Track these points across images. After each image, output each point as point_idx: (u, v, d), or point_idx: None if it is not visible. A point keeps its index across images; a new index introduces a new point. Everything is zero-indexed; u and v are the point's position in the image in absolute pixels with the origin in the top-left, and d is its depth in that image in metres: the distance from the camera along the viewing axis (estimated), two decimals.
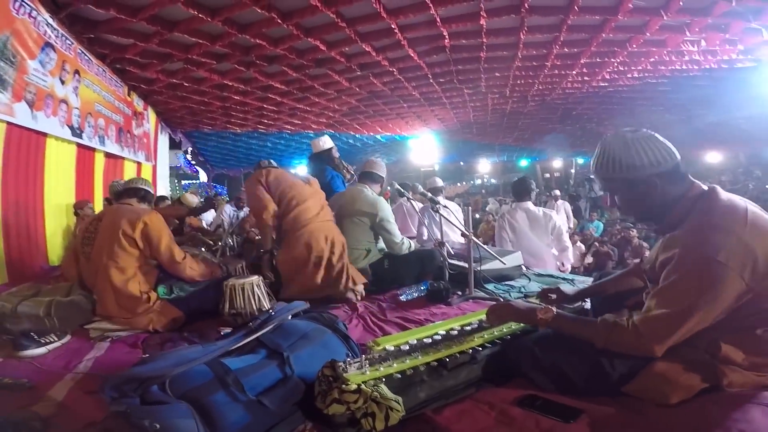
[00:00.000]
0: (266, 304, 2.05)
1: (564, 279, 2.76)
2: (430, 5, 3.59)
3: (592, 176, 14.30)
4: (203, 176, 16.51)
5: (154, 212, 2.23)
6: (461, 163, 25.43)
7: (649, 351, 1.10)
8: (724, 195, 1.16)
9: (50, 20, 3.23)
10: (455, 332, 1.47)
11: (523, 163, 22.04)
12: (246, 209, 6.26)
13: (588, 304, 1.73)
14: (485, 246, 2.58)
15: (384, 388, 1.14)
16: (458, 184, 33.32)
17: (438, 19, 3.89)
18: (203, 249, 3.13)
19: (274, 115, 7.54)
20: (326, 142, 3.78)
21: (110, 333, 2.01)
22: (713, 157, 18.71)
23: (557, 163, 23.32)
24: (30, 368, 1.70)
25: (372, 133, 10.94)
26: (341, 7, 3.62)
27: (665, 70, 5.51)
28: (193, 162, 14.14)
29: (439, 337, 1.42)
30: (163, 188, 8.22)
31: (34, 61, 3.01)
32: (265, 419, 1.15)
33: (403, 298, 2.45)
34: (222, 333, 1.72)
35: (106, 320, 2.05)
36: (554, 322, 1.29)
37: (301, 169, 15.38)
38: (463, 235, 2.41)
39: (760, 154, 20.40)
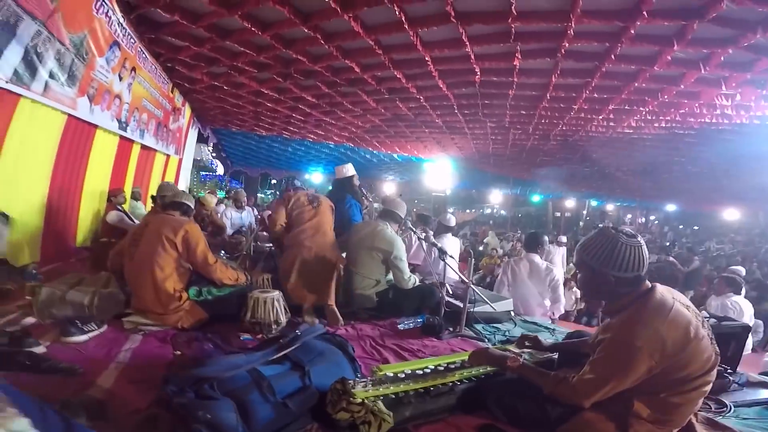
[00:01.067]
0: (282, 318, 2.37)
1: (546, 328, 3.09)
2: (467, 42, 3.77)
3: (600, 225, 14.41)
4: (220, 169, 16.92)
5: (194, 223, 2.61)
6: (473, 191, 25.54)
7: (580, 403, 1.46)
8: (659, 295, 1.47)
9: (121, 19, 3.50)
10: (441, 368, 1.85)
11: (536, 198, 22.09)
12: (248, 212, 6.46)
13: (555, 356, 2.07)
14: (480, 293, 2.93)
15: (380, 404, 1.50)
16: (467, 211, 33.41)
17: (472, 56, 4.07)
18: (222, 251, 3.33)
19: (301, 123, 7.82)
20: (349, 170, 4.07)
21: (143, 327, 2.26)
22: (731, 215, 18.52)
23: (570, 203, 23.29)
24: (75, 354, 1.90)
25: (390, 152, 11.19)
26: (381, 35, 3.84)
27: (694, 122, 5.49)
28: (214, 156, 14.53)
29: (428, 370, 1.81)
30: (185, 180, 8.51)
31: (102, 58, 3.27)
32: (285, 418, 1.45)
33: (401, 327, 2.76)
34: (241, 338, 2.12)
35: (141, 314, 2.31)
36: (519, 369, 1.67)
37: (316, 175, 15.74)
38: (462, 281, 2.77)
39: None
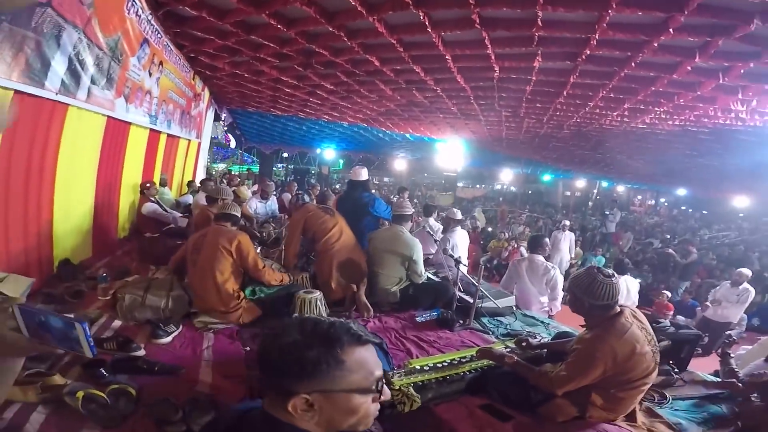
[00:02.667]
0: (324, 314, 2.73)
1: (542, 322, 3.45)
2: (488, 45, 3.81)
3: (607, 212, 14.39)
4: (233, 144, 17.09)
5: (245, 234, 2.99)
6: (484, 169, 25.45)
7: (554, 392, 1.96)
8: (623, 319, 1.93)
9: (150, 17, 3.58)
10: (456, 361, 2.45)
11: (546, 177, 22.02)
12: (272, 201, 6.61)
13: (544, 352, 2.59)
14: (486, 291, 3.34)
15: (411, 389, 2.04)
16: (477, 187, 33.34)
17: (492, 56, 4.11)
18: (258, 247, 3.60)
19: (317, 106, 7.87)
20: (365, 173, 4.46)
21: (211, 325, 2.61)
22: (741, 201, 18.37)
23: (580, 183, 23.17)
24: (169, 354, 2.21)
25: (402, 132, 11.20)
26: (403, 35, 3.89)
27: (708, 123, 5.54)
28: (226, 129, 14.60)
29: (446, 363, 2.41)
30: (203, 160, 8.69)
31: (134, 57, 3.39)
32: None
33: (419, 319, 3.14)
34: None
35: (206, 314, 2.66)
36: (513, 365, 2.18)
37: (328, 152, 15.82)
38: (473, 285, 3.13)
39: None
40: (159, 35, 3.90)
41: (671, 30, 2.93)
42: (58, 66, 2.57)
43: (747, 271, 6.23)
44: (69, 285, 2.95)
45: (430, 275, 3.79)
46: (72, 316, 1.80)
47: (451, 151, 12.54)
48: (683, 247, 10.23)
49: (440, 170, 23.30)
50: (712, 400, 2.32)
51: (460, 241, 5.13)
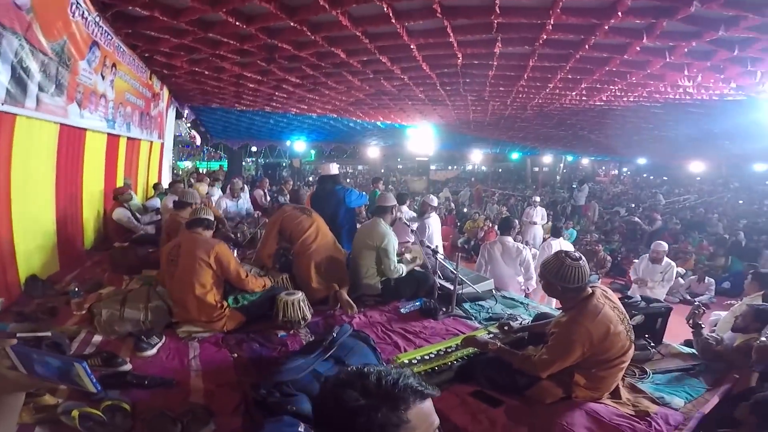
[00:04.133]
0: (308, 314, 2.78)
1: (522, 303, 3.54)
2: (451, 33, 3.87)
3: (574, 185, 14.86)
4: (198, 141, 16.53)
5: (222, 243, 2.91)
6: (455, 151, 25.74)
7: (538, 375, 2.05)
8: (594, 300, 2.03)
9: (97, 19, 3.43)
10: (442, 352, 2.52)
11: (515, 156, 22.51)
12: (244, 199, 6.50)
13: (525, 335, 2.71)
14: (464, 278, 3.38)
15: None
16: (449, 168, 33.77)
17: (455, 44, 4.17)
18: (234, 248, 3.57)
19: (284, 100, 7.73)
20: (334, 168, 4.50)
21: (195, 334, 2.59)
22: (697, 167, 19.42)
23: (547, 159, 23.86)
24: (156, 366, 2.20)
25: (373, 120, 11.17)
26: (368, 26, 3.89)
27: (659, 98, 5.85)
28: (189, 126, 14.11)
29: (433, 355, 2.48)
30: (168, 160, 8.43)
31: (83, 61, 3.25)
32: None
33: (403, 311, 3.19)
34: (279, 335, 2.58)
35: (189, 323, 2.62)
36: (497, 351, 2.26)
37: (299, 144, 15.58)
38: (451, 272, 3.21)
39: (740, 167, 21.40)
40: (109, 37, 3.74)
41: (620, 13, 3.07)
42: (1, 75, 2.45)
43: (664, 245, 5.91)
44: (40, 302, 2.86)
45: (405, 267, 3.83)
46: (46, 338, 1.79)
47: (421, 137, 12.64)
48: (648, 215, 10.74)
49: (413, 155, 23.42)
50: (690, 372, 2.43)
51: (435, 226, 5.30)
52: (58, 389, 1.82)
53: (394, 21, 3.60)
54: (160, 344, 2.45)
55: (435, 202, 5.52)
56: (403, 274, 3.50)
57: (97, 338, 2.49)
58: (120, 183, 4.75)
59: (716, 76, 4.40)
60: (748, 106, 5.50)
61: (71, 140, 3.45)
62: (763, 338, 2.29)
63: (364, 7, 3.42)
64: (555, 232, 5.56)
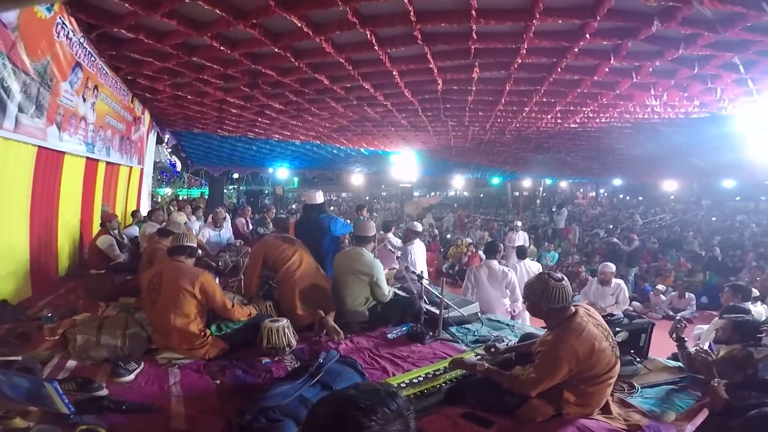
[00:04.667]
0: (293, 341, 2.74)
1: (507, 325, 3.57)
2: (431, 59, 4.02)
3: (554, 209, 15.26)
4: (179, 166, 16.35)
5: (207, 272, 2.86)
6: (437, 177, 26.16)
7: (528, 394, 2.06)
8: (578, 319, 2.06)
9: (81, 39, 3.41)
10: (431, 375, 2.51)
11: (495, 180, 22.96)
12: (226, 229, 6.45)
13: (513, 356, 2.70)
14: (450, 302, 3.41)
15: None
16: (432, 194, 34.19)
17: (435, 70, 4.33)
18: (216, 276, 3.51)
19: (267, 126, 7.79)
20: (320, 197, 4.47)
21: (176, 360, 2.53)
22: (670, 185, 20.23)
23: (527, 183, 24.44)
24: (134, 391, 2.14)
25: (356, 147, 11.31)
26: (351, 53, 4.00)
27: (630, 118, 6.15)
28: (170, 151, 13.95)
29: (421, 378, 2.47)
30: (147, 186, 8.29)
31: (66, 82, 3.22)
32: None
33: (390, 336, 3.19)
34: (263, 362, 2.55)
35: (169, 350, 2.56)
36: (485, 373, 2.26)
37: (281, 171, 15.57)
38: (437, 297, 3.24)
39: (711, 184, 22.39)
40: (93, 58, 3.73)
41: (587, 35, 3.27)
42: None
43: (611, 266, 5.69)
44: (11, 326, 2.77)
45: (396, 290, 3.84)
46: (17, 362, 1.69)
47: (405, 163, 12.81)
48: (626, 235, 11.03)
49: (396, 182, 23.66)
50: (678, 385, 2.44)
51: (419, 252, 5.37)
52: (30, 412, 1.71)
53: (377, 48, 3.73)
54: (138, 370, 2.37)
55: (419, 228, 5.63)
56: (393, 295, 3.54)
57: (72, 363, 2.40)
58: (98, 209, 4.62)
59: (680, 94, 4.68)
60: (712, 122, 5.83)
61: (49, 164, 3.36)
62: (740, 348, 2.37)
63: (348, 34, 3.53)
64: (520, 254, 5.55)
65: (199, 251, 4.37)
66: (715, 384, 2.20)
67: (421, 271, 3.72)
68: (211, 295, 2.74)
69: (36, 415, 1.72)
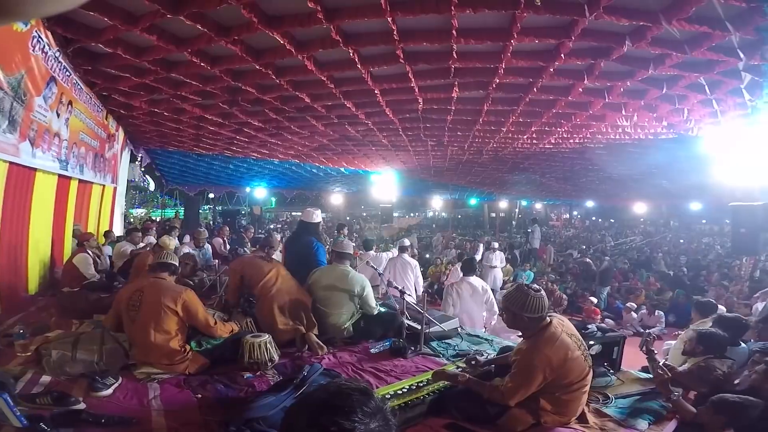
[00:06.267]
0: (275, 356, 2.72)
1: (486, 340, 3.63)
2: (412, 78, 4.11)
3: (530, 230, 15.66)
4: (152, 186, 15.90)
5: (189, 290, 2.83)
6: (416, 197, 26.43)
7: (507, 403, 2.10)
8: (552, 329, 2.12)
9: (57, 54, 3.33)
10: (414, 387, 2.52)
11: (473, 201, 23.39)
12: (206, 248, 6.42)
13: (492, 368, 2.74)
14: (431, 317, 3.45)
15: None
16: (411, 215, 34.40)
17: (416, 89, 4.42)
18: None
19: (245, 144, 7.72)
20: (317, 216, 4.39)
21: (155, 375, 2.49)
22: (639, 207, 21.03)
23: (503, 204, 24.97)
24: (113, 405, 2.10)
25: (336, 166, 11.33)
26: (333, 71, 4.04)
27: (602, 139, 6.41)
28: (143, 171, 13.61)
29: (405, 390, 2.48)
30: (120, 206, 8.00)
31: (40, 97, 3.11)
32: None
33: (373, 351, 3.20)
34: (245, 377, 2.47)
35: (148, 365, 2.51)
36: (466, 383, 2.28)
37: (259, 190, 15.35)
38: (419, 313, 3.29)
39: (679, 207, 23.46)
40: (68, 73, 3.63)
41: (562, 55, 3.41)
42: None
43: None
44: None
45: (379, 307, 3.84)
46: (14, 392, 1.58)
47: (385, 183, 12.91)
48: (598, 256, 11.35)
49: (377, 202, 23.72)
50: (650, 396, 2.51)
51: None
52: (2, 428, 1.65)
53: (359, 66, 3.78)
54: (116, 384, 2.33)
55: (407, 242, 5.69)
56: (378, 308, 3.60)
57: (46, 378, 2.36)
58: (69, 228, 4.42)
59: (650, 114, 4.91)
60: (679, 143, 6.13)
61: (20, 180, 3.22)
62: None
63: (331, 52, 3.58)
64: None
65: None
66: (674, 398, 2.29)
67: (404, 287, 3.71)
68: (194, 312, 2.72)
69: (9, 429, 1.63)
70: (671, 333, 7.47)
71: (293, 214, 27.52)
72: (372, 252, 6.79)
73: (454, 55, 3.51)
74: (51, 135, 3.42)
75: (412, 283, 5.73)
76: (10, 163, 2.94)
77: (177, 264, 2.98)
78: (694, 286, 10.42)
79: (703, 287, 10.23)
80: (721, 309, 4.57)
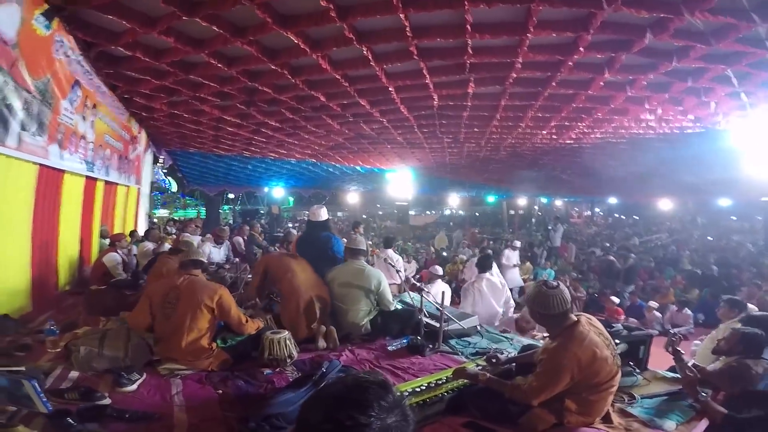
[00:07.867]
0: (294, 352, 2.74)
1: (506, 338, 3.58)
2: (426, 74, 4.07)
3: (550, 227, 15.34)
4: (174, 187, 16.31)
5: (224, 288, 2.90)
6: (433, 195, 26.29)
7: (530, 403, 2.05)
8: (581, 327, 2.07)
9: (80, 57, 3.44)
10: (433, 384, 2.47)
11: (491, 199, 23.11)
12: (226, 245, 6.55)
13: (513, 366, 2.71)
14: (450, 314, 3.44)
15: None
16: (427, 213, 34.23)
17: (431, 85, 4.38)
18: None
19: (262, 144, 7.83)
20: (324, 213, 4.39)
21: (178, 371, 2.56)
22: (665, 204, 20.26)
23: (522, 201, 24.57)
24: (137, 401, 2.17)
25: (352, 165, 11.37)
26: (347, 70, 4.05)
27: (625, 133, 6.21)
28: (165, 172, 13.95)
29: (423, 387, 2.42)
30: (144, 207, 8.23)
31: (65, 100, 3.22)
32: None
33: (390, 348, 3.18)
34: (265, 373, 2.55)
35: (172, 361, 2.59)
36: (487, 382, 2.24)
37: (277, 190, 15.56)
38: (438, 310, 3.24)
39: (706, 203, 22.54)
40: (90, 77, 3.75)
41: (581, 48, 3.31)
42: None
43: (438, 268, 6.04)
44: (12, 339, 2.82)
45: (396, 304, 3.86)
46: (20, 372, 1.67)
47: (401, 181, 12.87)
48: (622, 253, 11.02)
49: (392, 200, 23.73)
50: (678, 396, 2.44)
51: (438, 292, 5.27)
52: (33, 419, 1.72)
53: (373, 63, 3.77)
54: (140, 380, 2.41)
55: (440, 271, 5.91)
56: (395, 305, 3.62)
57: (74, 374, 2.44)
58: (96, 228, 4.59)
59: (675, 108, 4.72)
60: (706, 137, 5.88)
61: (50, 182, 3.38)
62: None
63: (344, 50, 3.59)
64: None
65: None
66: (703, 399, 2.20)
67: (422, 284, 3.70)
68: (227, 309, 2.78)
69: (39, 422, 1.72)
70: (698, 333, 7.19)
71: None
72: (391, 251, 6.80)
73: (469, 50, 3.47)
74: (77, 137, 3.55)
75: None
76: (41, 165, 3.07)
77: (204, 260, 3.06)
78: (727, 284, 10.01)
79: (737, 285, 9.82)
80: (752, 308, 4.40)
